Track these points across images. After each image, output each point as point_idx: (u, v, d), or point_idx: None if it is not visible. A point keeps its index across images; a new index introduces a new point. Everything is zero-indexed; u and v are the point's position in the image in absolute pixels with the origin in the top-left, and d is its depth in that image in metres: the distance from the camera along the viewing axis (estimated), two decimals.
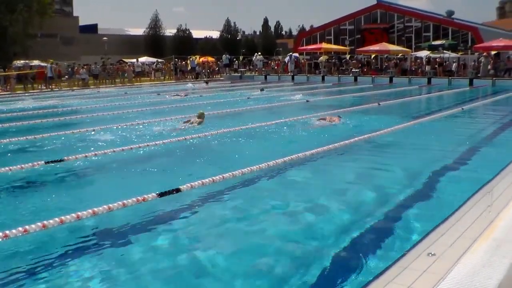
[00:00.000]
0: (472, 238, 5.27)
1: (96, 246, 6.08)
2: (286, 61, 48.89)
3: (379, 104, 20.69)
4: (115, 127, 14.62)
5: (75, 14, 69.24)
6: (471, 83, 34.66)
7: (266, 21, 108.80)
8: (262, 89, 29.28)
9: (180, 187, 7.40)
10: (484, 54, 38.93)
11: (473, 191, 7.36)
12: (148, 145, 11.41)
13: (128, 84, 40.04)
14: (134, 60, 48.61)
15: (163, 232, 6.47)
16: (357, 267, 5.38)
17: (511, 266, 4.54)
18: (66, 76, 38.83)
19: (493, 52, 39.15)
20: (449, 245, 5.14)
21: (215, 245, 6.07)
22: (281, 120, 15.55)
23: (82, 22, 70.08)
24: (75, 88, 36.04)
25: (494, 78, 35.08)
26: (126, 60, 51.15)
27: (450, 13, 60.08)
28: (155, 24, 78.35)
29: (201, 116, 15.21)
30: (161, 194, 7.13)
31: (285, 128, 14.68)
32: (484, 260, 4.69)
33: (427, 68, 39.68)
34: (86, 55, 54.95)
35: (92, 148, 11.15)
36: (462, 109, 19.58)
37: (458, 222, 5.88)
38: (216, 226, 6.73)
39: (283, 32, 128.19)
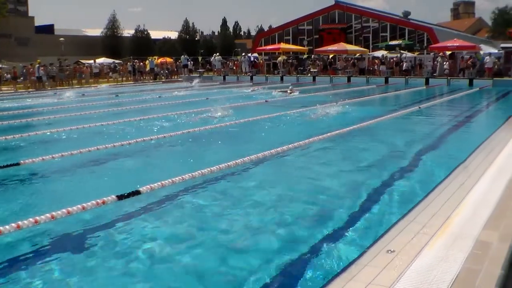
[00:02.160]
0: (429, 234, 5.36)
1: (54, 251, 5.97)
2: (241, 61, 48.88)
3: (336, 103, 20.82)
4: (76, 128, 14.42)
5: (30, 14, 67.55)
6: (427, 83, 35.27)
7: (224, 22, 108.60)
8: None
9: (140, 189, 7.32)
10: (441, 54, 39.63)
11: (430, 188, 7.48)
12: (114, 146, 11.29)
13: (85, 85, 39.44)
14: (92, 61, 47.93)
15: (122, 235, 6.39)
16: (317, 266, 5.39)
17: (467, 259, 4.63)
18: (22, 78, 38.12)
19: (448, 52, 39.88)
20: (407, 241, 5.21)
21: (174, 247, 6.01)
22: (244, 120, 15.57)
23: (37, 22, 68.65)
24: (31, 90, 35.40)
25: (449, 78, 35.74)
26: (83, 61, 50.40)
27: (407, 13, 60.98)
28: (112, 25, 77.39)
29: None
30: (120, 197, 7.03)
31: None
32: (441, 255, 4.77)
33: (382, 67, 40.17)
34: (42, 56, 53.85)
35: (49, 151, 10.92)
36: (419, 107, 19.86)
37: (415, 218, 5.97)
38: (177, 228, 6.67)
39: (242, 33, 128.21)
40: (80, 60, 51.79)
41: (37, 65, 37.04)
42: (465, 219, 5.82)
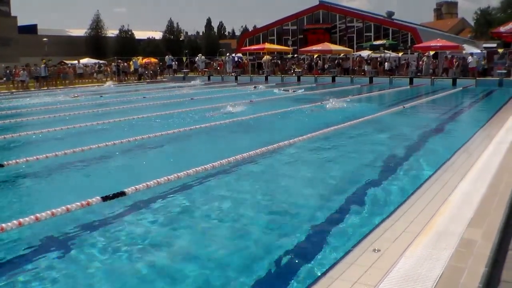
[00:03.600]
0: (414, 233, 5.39)
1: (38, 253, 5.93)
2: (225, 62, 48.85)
3: (321, 103, 20.89)
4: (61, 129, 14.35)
5: (13, 14, 66.88)
6: (411, 82, 35.47)
7: (209, 22, 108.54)
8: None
9: (125, 190, 7.27)
10: (426, 54, 39.90)
11: (414, 187, 7.54)
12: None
13: (70, 86, 39.22)
14: (76, 61, 47.60)
15: (108, 236, 6.36)
16: (303, 267, 5.41)
17: (452, 257, 4.66)
18: (4, 79, 37.86)
19: (431, 52, 40.15)
20: (393, 240, 5.24)
21: (160, 249, 5.99)
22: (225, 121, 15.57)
23: (20, 22, 68.02)
24: (13, 90, 35.17)
25: (433, 77, 35.98)
26: (67, 62, 50.04)
27: (390, 14, 61.33)
28: (96, 25, 76.85)
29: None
30: (105, 198, 6.99)
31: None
32: (426, 253, 4.80)
33: (367, 67, 40.35)
34: (25, 57, 53.38)
35: (34, 152, 10.83)
36: (404, 107, 19.96)
37: (401, 217, 6.00)
38: (163, 229, 6.66)
39: (226, 33, 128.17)
40: (64, 61, 51.37)
41: (43, 65, 37.49)
42: (449, 218, 5.86)
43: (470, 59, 36.47)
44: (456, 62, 36.52)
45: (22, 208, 7.51)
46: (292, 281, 5.08)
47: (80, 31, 77.97)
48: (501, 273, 4.58)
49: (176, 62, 50.43)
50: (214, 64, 51.09)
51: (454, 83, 33.63)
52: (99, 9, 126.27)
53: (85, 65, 47.43)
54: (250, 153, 10.14)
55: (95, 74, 45.99)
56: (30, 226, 6.14)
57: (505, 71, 33.42)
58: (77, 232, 6.52)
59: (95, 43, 73.53)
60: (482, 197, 6.60)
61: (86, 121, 15.77)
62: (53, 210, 6.30)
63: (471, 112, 21.42)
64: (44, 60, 40.29)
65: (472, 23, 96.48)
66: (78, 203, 6.61)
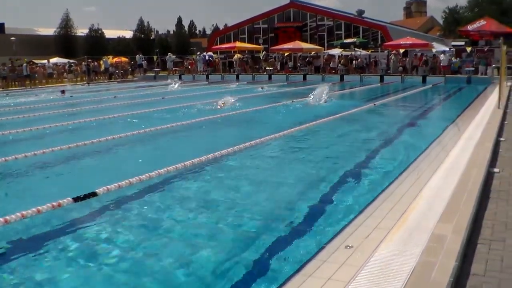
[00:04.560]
0: (386, 229, 5.44)
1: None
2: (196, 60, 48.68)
3: (292, 101, 20.96)
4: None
5: None
6: (381, 80, 35.78)
7: (179, 20, 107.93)
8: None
9: (97, 190, 7.19)
10: (394, 52, 40.28)
11: (387, 183, 7.61)
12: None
13: (39, 86, 38.72)
14: (45, 61, 46.95)
15: (79, 238, 6.30)
16: (278, 261, 5.42)
17: (423, 252, 4.71)
18: None
19: (401, 50, 40.55)
20: (365, 236, 5.28)
21: (132, 248, 5.95)
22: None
23: None
24: None
25: (403, 75, 36.35)
26: (36, 61, 49.34)
27: (361, 12, 61.75)
28: (66, 24, 75.95)
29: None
30: (76, 199, 6.90)
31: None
32: (398, 249, 4.85)
33: (339, 65, 40.59)
34: None
35: (2, 154, 10.67)
36: (374, 104, 20.11)
37: (373, 214, 6.06)
38: (135, 229, 6.62)
39: (197, 31, 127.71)
40: (33, 60, 50.63)
41: (24, 63, 37.52)
42: (420, 213, 5.92)
43: (442, 57, 36.95)
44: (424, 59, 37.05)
45: None
46: (265, 279, 5.08)
47: (49, 30, 77.02)
48: (470, 267, 4.65)
49: (146, 61, 50.03)
50: (185, 63, 50.89)
51: (424, 81, 33.99)
52: (68, 8, 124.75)
53: (55, 65, 46.79)
54: (221, 152, 10.14)
55: (65, 74, 45.40)
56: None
57: (473, 69, 33.91)
58: (48, 233, 6.46)
59: (64, 42, 72.67)
60: (452, 193, 6.68)
61: (56, 121, 15.57)
62: (23, 212, 6.19)
63: (441, 109, 21.69)
64: (25, 59, 39.76)
65: (440, 21, 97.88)
66: (49, 204, 6.51)
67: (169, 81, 36.37)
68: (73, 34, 76.04)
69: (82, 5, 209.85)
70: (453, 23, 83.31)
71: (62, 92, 28.47)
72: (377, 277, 4.28)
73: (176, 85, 31.56)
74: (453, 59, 36.38)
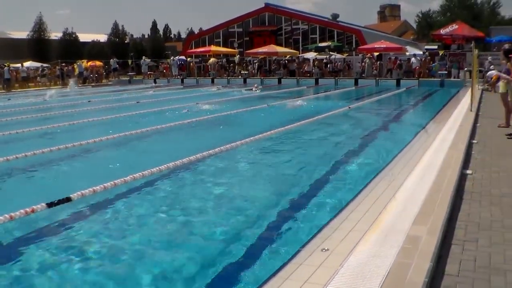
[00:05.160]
0: (362, 231, 5.48)
1: None
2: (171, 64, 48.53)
3: (268, 105, 21.01)
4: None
5: None
6: (356, 83, 36.03)
7: (154, 24, 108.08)
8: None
9: (71, 195, 7.12)
10: (368, 55, 40.59)
11: (362, 186, 7.66)
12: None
13: (13, 90, 38.25)
14: (18, 65, 46.36)
15: (54, 243, 6.25)
16: (253, 264, 5.43)
17: (398, 254, 4.76)
18: None
19: (375, 54, 40.89)
20: (341, 239, 5.31)
21: (105, 254, 5.92)
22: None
23: None
24: None
25: (377, 78, 36.65)
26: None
27: (335, 16, 62.20)
28: (39, 27, 75.16)
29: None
30: (50, 204, 6.82)
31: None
32: (373, 251, 4.89)
33: (314, 69, 40.75)
34: None
35: None
36: (349, 107, 20.21)
37: (348, 216, 6.10)
38: (109, 234, 6.58)
39: (172, 35, 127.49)
40: (5, 64, 49.90)
41: (6, 67, 37.64)
42: (395, 216, 5.98)
43: (413, 60, 37.36)
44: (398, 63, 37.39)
45: None
46: (242, 283, 5.09)
47: (22, 34, 76.12)
48: (445, 267, 4.71)
49: (118, 66, 49.72)
50: (159, 67, 50.71)
51: (398, 84, 34.31)
52: (42, 11, 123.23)
53: (28, 69, 46.25)
54: (197, 155, 10.12)
55: (38, 77, 44.93)
56: None
57: (445, 72, 34.31)
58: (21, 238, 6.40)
59: (38, 46, 71.85)
60: (427, 194, 6.76)
61: (30, 126, 15.41)
62: None
63: (415, 112, 21.88)
64: (8, 63, 39.42)
65: (414, 25, 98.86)
66: (22, 211, 6.43)
67: (144, 85, 36.28)
68: (46, 37, 75.27)
69: (56, 8, 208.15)
70: (426, 27, 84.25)
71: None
72: (354, 279, 4.31)
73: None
74: (433, 63, 36.62)
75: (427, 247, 4.90)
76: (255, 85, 24.73)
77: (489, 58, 31.13)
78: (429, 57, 37.72)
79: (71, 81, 39.97)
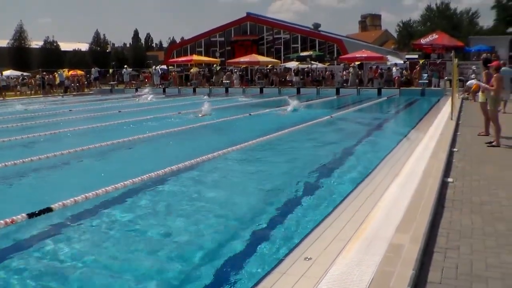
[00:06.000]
0: (344, 240, 5.48)
1: None
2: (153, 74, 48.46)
3: (250, 114, 21.03)
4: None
5: None
6: (338, 92, 36.21)
7: (136, 33, 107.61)
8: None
9: (52, 206, 7.06)
10: (352, 64, 40.78)
11: (345, 194, 7.68)
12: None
13: None
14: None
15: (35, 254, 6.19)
16: (238, 273, 5.42)
17: (381, 262, 4.78)
18: None
19: (357, 63, 41.14)
20: (324, 248, 5.30)
21: (88, 265, 5.87)
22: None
23: None
24: None
25: (359, 87, 36.85)
26: None
27: (317, 25, 62.49)
28: (20, 36, 74.61)
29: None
30: (31, 215, 6.75)
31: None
32: (356, 259, 4.90)
33: (295, 78, 40.89)
34: None
35: None
36: (331, 117, 20.26)
37: (331, 225, 6.10)
38: (94, 243, 6.53)
39: (154, 44, 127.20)
40: None
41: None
42: (378, 223, 6.01)
43: (394, 69, 37.63)
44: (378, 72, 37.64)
45: None
46: None
47: (2, 42, 75.55)
48: (427, 275, 4.73)
49: (99, 75, 49.53)
50: (140, 76, 50.59)
51: (379, 93, 34.53)
52: (22, 19, 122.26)
53: (9, 77, 45.85)
54: (178, 165, 10.10)
55: (18, 86, 44.57)
56: None
57: (426, 81, 34.59)
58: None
59: (18, 54, 71.33)
60: (409, 202, 6.80)
61: (11, 135, 15.27)
62: None
63: (396, 120, 22.07)
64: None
65: (395, 35, 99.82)
66: (2, 221, 6.36)
67: (127, 94, 36.14)
68: (27, 46, 74.76)
69: (37, 17, 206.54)
70: (407, 36, 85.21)
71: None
72: None
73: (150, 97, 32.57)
74: (424, 74, 36.67)
75: (409, 255, 4.92)
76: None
77: (473, 67, 31.39)
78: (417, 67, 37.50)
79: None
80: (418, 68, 36.58)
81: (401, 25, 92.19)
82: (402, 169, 9.15)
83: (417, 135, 14.17)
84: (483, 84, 13.24)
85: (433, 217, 6.28)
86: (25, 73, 50.25)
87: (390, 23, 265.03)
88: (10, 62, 65.73)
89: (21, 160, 10.84)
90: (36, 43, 76.40)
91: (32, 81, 45.65)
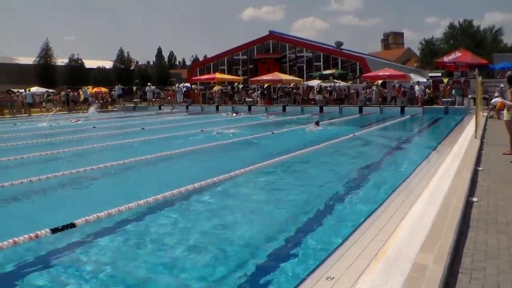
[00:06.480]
0: (368, 259, 5.40)
1: None
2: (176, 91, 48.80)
3: (272, 133, 21.04)
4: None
5: None
6: (360, 111, 36.08)
7: (159, 51, 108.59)
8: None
9: (75, 221, 7.08)
10: (376, 83, 40.69)
11: (368, 213, 7.61)
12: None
13: (17, 115, 38.50)
14: (22, 90, 46.57)
15: (58, 269, 6.20)
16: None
17: (405, 282, 4.70)
18: None
19: (379, 81, 41.03)
20: (346, 267, 5.23)
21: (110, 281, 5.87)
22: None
23: None
24: None
25: (382, 106, 36.71)
26: (15, 90, 48.96)
27: (339, 44, 62.59)
28: (45, 53, 75.70)
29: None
30: (55, 230, 6.79)
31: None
32: (380, 279, 4.82)
33: (318, 96, 40.87)
34: None
35: None
36: (354, 135, 20.14)
37: (354, 244, 6.02)
38: (116, 261, 6.54)
39: (177, 62, 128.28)
40: (12, 89, 50.20)
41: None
42: (401, 243, 5.92)
43: (416, 88, 37.48)
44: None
45: None
46: None
47: (28, 59, 76.71)
48: None
49: (123, 92, 50.01)
50: (162, 94, 50.94)
51: (402, 111, 34.37)
52: (48, 37, 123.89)
53: (34, 94, 46.51)
54: (201, 183, 10.08)
55: (43, 103, 45.17)
56: None
57: (450, 99, 34.36)
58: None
59: (44, 71, 72.38)
60: (433, 222, 6.71)
61: (35, 151, 15.42)
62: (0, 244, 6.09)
63: (419, 139, 21.89)
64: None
65: (417, 53, 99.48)
66: (26, 236, 6.39)
67: (150, 111, 36.41)
68: (52, 63, 75.82)
69: (63, 35, 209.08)
70: (430, 54, 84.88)
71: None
72: None
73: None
74: (453, 91, 36.23)
75: (434, 276, 4.84)
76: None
77: (502, 85, 30.98)
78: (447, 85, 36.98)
79: (92, 108, 40.67)
80: (448, 87, 36.26)
81: (423, 43, 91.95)
82: (426, 188, 9.05)
83: (441, 153, 14.03)
84: (508, 102, 13.11)
85: (458, 237, 6.19)
86: (50, 90, 50.92)
87: (413, 41, 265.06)
88: (36, 79, 66.67)
89: (45, 176, 10.92)
90: (61, 61, 77.49)
91: (57, 97, 46.24)
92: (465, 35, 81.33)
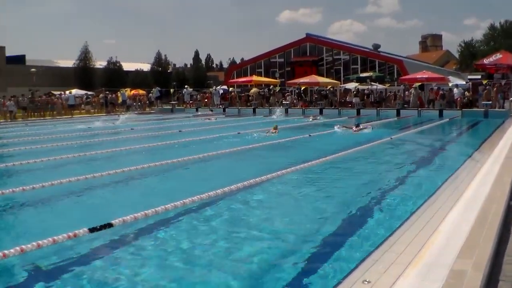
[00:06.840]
0: (404, 264, 5.35)
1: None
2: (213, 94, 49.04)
3: (310, 135, 20.99)
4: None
5: (1, 44, 66.90)
6: (398, 114, 35.67)
7: (197, 54, 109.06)
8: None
9: (112, 222, 7.17)
10: (414, 85, 40.19)
11: (405, 217, 7.52)
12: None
13: (57, 117, 39.20)
14: (64, 92, 47.37)
15: (95, 269, 6.28)
16: None
17: None
18: None
19: (417, 84, 40.52)
20: (383, 271, 5.19)
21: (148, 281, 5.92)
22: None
23: (8, 52, 68.02)
24: (1, 120, 35.21)
25: (420, 109, 36.26)
26: (55, 92, 49.87)
27: (376, 46, 62.08)
28: (85, 56, 76.82)
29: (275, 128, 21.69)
30: (93, 230, 6.89)
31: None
32: (416, 284, 4.77)
33: (355, 99, 40.61)
34: (13, 87, 53.31)
35: (19, 183, 10.68)
36: (391, 138, 19.98)
37: (391, 248, 5.97)
38: (151, 261, 6.59)
39: (214, 65, 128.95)
40: (52, 92, 51.12)
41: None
42: (439, 248, 5.84)
43: (455, 90, 36.93)
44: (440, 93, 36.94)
45: (6, 239, 7.40)
46: None
47: (68, 62, 77.95)
48: None
49: (161, 95, 50.47)
50: (198, 97, 51.19)
51: (440, 114, 33.88)
52: (87, 40, 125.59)
53: (74, 96, 47.27)
54: (238, 185, 10.09)
55: (82, 105, 45.89)
56: (16, 257, 6.07)
57: (490, 102, 33.76)
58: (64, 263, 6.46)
59: (83, 74, 73.44)
60: (471, 228, 6.58)
61: (74, 152, 15.69)
62: (39, 242, 6.20)
63: (458, 143, 21.56)
64: (30, 91, 40.69)
65: (456, 55, 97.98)
66: (65, 235, 6.50)
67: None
68: (91, 66, 76.89)
69: (102, 38, 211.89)
70: (469, 56, 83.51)
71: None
72: None
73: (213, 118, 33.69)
74: (499, 95, 35.53)
75: (472, 283, 4.74)
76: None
77: None
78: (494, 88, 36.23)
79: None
80: (495, 89, 35.52)
81: (462, 45, 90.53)
82: (465, 193, 8.91)
83: (481, 158, 13.81)
84: None
85: (498, 243, 6.06)
86: (89, 92, 51.70)
87: (452, 43, 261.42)
88: (75, 82, 67.71)
89: (83, 177, 11.09)
90: (100, 63, 78.49)
91: (96, 100, 46.91)
92: (506, 36, 79.75)
